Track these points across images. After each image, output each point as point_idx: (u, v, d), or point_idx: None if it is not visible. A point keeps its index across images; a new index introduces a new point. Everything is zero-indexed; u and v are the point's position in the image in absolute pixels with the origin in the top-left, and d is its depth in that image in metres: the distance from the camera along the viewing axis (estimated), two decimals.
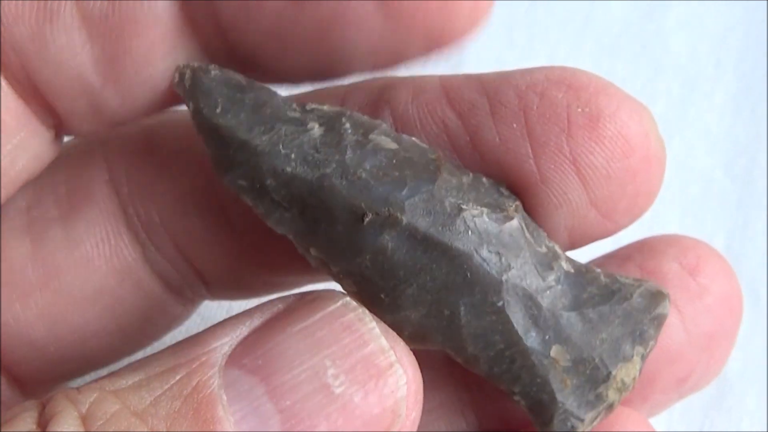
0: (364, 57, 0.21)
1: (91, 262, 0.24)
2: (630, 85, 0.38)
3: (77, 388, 0.19)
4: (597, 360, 0.21)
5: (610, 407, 0.21)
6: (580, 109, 0.21)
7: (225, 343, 0.19)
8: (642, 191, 0.22)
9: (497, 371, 0.21)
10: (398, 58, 0.21)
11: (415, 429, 0.20)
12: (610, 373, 0.21)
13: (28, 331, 0.24)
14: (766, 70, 0.39)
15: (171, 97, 0.22)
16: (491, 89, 0.22)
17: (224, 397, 0.19)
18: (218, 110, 0.21)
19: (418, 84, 0.22)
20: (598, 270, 0.22)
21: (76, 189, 0.25)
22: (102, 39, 0.21)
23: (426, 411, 0.21)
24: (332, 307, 0.20)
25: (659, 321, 0.22)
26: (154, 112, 0.23)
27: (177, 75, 0.22)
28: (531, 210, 0.22)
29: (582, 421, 0.21)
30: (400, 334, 0.20)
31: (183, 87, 0.21)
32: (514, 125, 0.22)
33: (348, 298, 0.20)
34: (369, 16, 0.20)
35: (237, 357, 0.19)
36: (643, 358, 0.22)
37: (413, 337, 0.21)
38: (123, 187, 0.25)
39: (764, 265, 0.35)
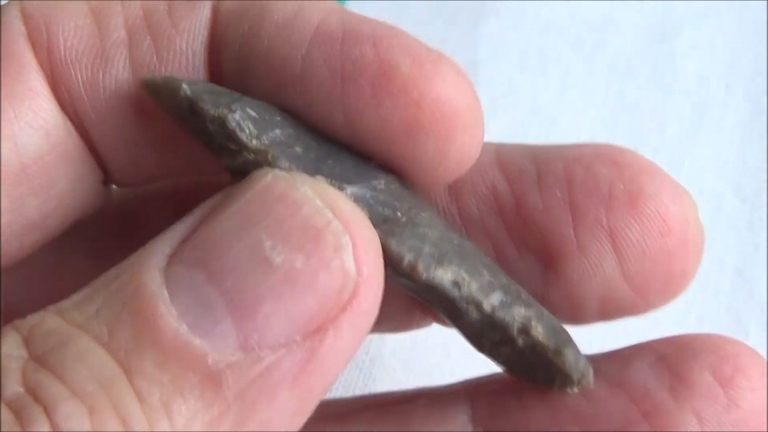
0: None
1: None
2: (641, 108, 0.39)
3: (24, 317, 0.19)
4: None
5: None
6: (622, 186, 0.22)
7: (165, 245, 0.19)
8: (677, 272, 0.23)
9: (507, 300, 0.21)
10: None
11: (377, 288, 0.19)
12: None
13: None
14: None
15: (207, 162, 0.23)
16: (541, 158, 0.23)
17: (165, 294, 0.18)
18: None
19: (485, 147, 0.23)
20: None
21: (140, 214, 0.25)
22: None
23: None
24: (262, 182, 0.19)
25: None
26: (191, 176, 0.23)
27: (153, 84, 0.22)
28: (566, 276, 0.22)
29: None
30: (420, 252, 0.20)
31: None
32: (558, 193, 0.22)
33: (278, 170, 0.19)
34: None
35: (178, 255, 0.18)
36: None
37: (433, 257, 0.20)
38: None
39: None
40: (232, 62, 0.21)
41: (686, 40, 0.40)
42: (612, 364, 0.23)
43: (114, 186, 0.24)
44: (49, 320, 0.18)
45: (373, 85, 0.20)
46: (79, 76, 0.21)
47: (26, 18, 0.22)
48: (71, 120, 0.22)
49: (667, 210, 0.22)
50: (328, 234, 0.18)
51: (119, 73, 0.21)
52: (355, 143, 0.21)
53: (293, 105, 0.21)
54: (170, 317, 0.18)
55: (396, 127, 0.20)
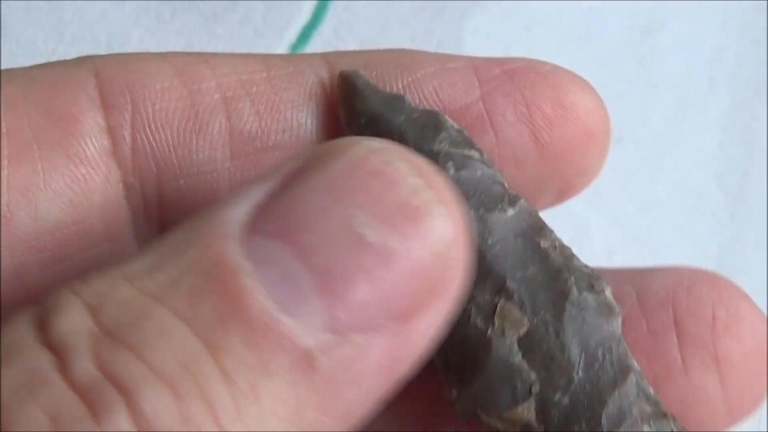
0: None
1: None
2: (625, 101, 0.39)
3: (82, 280, 0.17)
4: None
5: None
6: (723, 306, 0.23)
7: (241, 212, 0.17)
8: (762, 390, 0.23)
9: None
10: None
11: (466, 271, 0.18)
12: None
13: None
14: (759, 88, 0.40)
15: None
16: (638, 281, 0.23)
17: (250, 267, 0.16)
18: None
19: None
20: None
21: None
22: (244, 158, 0.21)
23: None
24: (354, 153, 0.17)
25: None
26: None
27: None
28: (670, 400, 0.22)
29: None
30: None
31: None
32: (662, 316, 0.23)
33: (369, 140, 0.18)
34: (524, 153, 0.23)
35: (257, 224, 0.17)
36: None
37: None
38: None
39: (757, 280, 0.36)
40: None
41: (670, 35, 0.40)
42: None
43: None
44: (120, 288, 0.16)
45: (553, 105, 0.22)
46: (170, 140, 0.21)
47: (101, 79, 0.21)
48: (143, 190, 0.21)
49: (762, 333, 0.23)
50: (427, 215, 0.17)
51: (214, 137, 0.21)
52: (543, 163, 0.22)
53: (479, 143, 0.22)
54: (258, 292, 0.16)
55: (574, 141, 0.22)
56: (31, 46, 0.36)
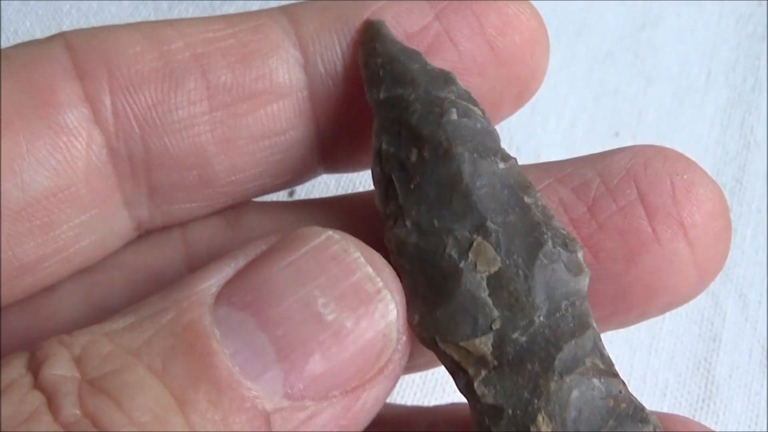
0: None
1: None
2: (622, 94, 0.39)
3: (68, 333, 0.19)
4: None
5: None
6: (678, 176, 0.23)
7: (212, 284, 0.19)
8: (725, 252, 0.24)
9: None
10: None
11: (407, 354, 0.20)
12: None
13: None
14: (755, 82, 0.40)
15: (278, 176, 0.23)
16: (599, 165, 0.24)
17: (217, 332, 0.18)
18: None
19: (531, 171, 0.24)
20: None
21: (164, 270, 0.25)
22: (223, 109, 0.22)
23: None
24: (317, 241, 0.20)
25: None
26: (258, 195, 0.24)
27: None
28: (645, 270, 0.23)
29: None
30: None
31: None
32: (628, 192, 0.23)
33: (331, 231, 0.20)
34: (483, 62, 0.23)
35: (225, 296, 0.19)
36: None
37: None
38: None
39: (753, 272, 0.36)
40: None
41: (667, 29, 0.41)
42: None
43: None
44: (101, 343, 0.18)
45: (500, 16, 0.24)
46: (149, 99, 0.21)
47: (73, 51, 0.21)
48: (129, 154, 0.22)
49: (718, 192, 0.23)
50: (378, 300, 0.19)
51: (192, 92, 0.22)
52: (496, 68, 0.23)
53: (440, 62, 0.23)
54: (223, 356, 0.18)
55: (523, 46, 0.24)
56: (28, 38, 0.36)
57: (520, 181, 0.22)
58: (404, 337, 0.20)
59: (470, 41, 0.23)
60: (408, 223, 0.21)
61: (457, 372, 0.21)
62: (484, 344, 0.21)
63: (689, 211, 0.23)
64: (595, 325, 0.21)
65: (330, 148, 0.24)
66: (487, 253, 0.21)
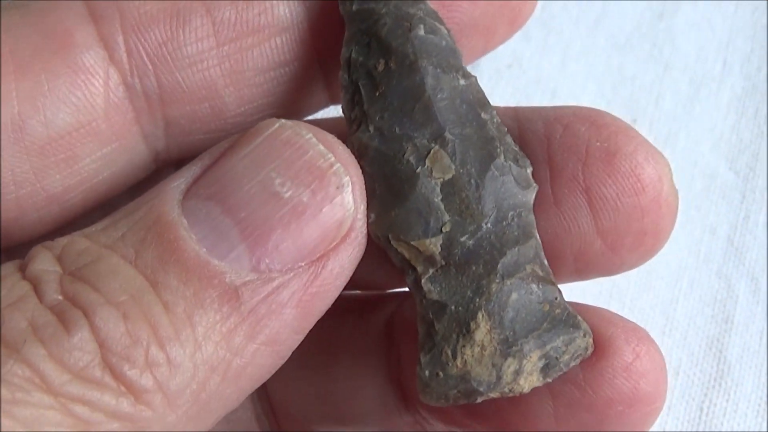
0: None
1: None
2: (639, 82, 0.40)
3: (51, 240, 0.20)
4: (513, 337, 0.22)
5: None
6: (599, 144, 0.23)
7: (181, 182, 0.21)
8: (649, 230, 0.23)
9: None
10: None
11: (365, 223, 0.21)
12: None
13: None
14: None
15: (285, 106, 0.24)
16: (523, 117, 0.24)
17: (184, 221, 0.20)
18: None
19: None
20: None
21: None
22: (229, 44, 0.23)
23: None
24: (271, 129, 0.21)
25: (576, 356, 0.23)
26: (267, 116, 0.24)
27: None
28: (542, 231, 0.23)
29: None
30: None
31: None
32: (537, 150, 0.23)
33: (284, 120, 0.21)
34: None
35: (193, 191, 0.21)
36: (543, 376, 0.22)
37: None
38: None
39: (765, 256, 0.36)
40: None
41: (684, 17, 0.41)
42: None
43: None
44: (78, 241, 0.20)
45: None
46: (159, 37, 0.23)
47: None
48: (144, 89, 0.23)
49: (642, 169, 0.23)
50: (332, 174, 0.21)
51: (199, 29, 0.23)
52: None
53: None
54: (191, 240, 0.20)
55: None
56: None
57: (478, 98, 0.23)
58: (362, 206, 0.21)
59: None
60: (371, 128, 0.22)
61: (406, 269, 0.23)
62: (434, 245, 0.22)
63: (599, 179, 0.23)
64: (538, 236, 0.23)
65: (334, 78, 0.24)
66: (443, 161, 0.22)
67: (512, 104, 0.38)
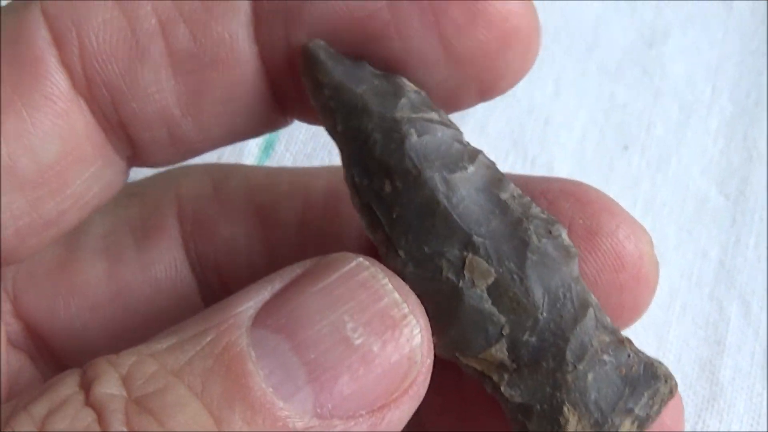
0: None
1: (158, 285, 0.26)
2: (631, 108, 0.40)
3: (116, 354, 0.20)
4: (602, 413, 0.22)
5: None
6: (581, 221, 0.23)
7: (250, 307, 0.20)
8: (627, 306, 0.24)
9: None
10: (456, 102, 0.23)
11: (429, 375, 0.21)
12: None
13: (94, 340, 0.26)
14: (758, 97, 0.41)
15: (245, 132, 0.24)
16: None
17: (253, 354, 0.19)
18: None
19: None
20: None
21: (149, 222, 0.27)
22: (186, 76, 0.22)
23: None
24: (347, 267, 0.21)
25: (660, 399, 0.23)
26: (230, 143, 0.25)
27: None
28: None
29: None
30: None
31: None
32: None
33: (362, 258, 0.21)
34: (434, 60, 0.22)
35: (261, 319, 0.20)
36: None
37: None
38: (188, 225, 0.27)
39: (755, 279, 0.37)
40: (304, 29, 0.22)
41: (674, 44, 0.42)
42: None
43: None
44: (146, 363, 0.20)
45: (466, 12, 0.22)
46: (117, 69, 0.22)
47: (49, 18, 0.22)
48: (104, 114, 0.23)
49: (622, 247, 0.23)
50: (404, 326, 0.20)
51: (156, 61, 0.22)
52: (453, 67, 0.22)
53: (388, 50, 0.22)
54: (258, 377, 0.19)
55: (489, 44, 0.22)
56: None
57: (491, 178, 0.22)
58: (428, 360, 0.21)
59: (419, 37, 0.22)
60: (401, 253, 0.22)
61: (483, 378, 0.22)
62: (500, 351, 0.22)
63: (580, 256, 0.23)
64: (594, 299, 0.22)
65: (292, 102, 0.24)
66: (481, 267, 0.22)
67: (507, 133, 0.39)
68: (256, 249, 0.27)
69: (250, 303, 0.20)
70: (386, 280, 0.21)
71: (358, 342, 0.20)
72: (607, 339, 0.22)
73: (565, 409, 0.22)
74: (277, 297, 0.21)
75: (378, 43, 0.22)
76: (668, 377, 0.23)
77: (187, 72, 0.22)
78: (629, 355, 0.22)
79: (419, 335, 0.21)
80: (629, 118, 0.40)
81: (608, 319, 0.22)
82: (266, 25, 0.22)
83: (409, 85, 0.22)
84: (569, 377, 0.22)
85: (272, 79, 0.23)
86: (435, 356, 0.22)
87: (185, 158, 0.25)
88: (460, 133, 0.23)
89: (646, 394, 0.22)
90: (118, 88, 0.22)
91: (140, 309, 0.26)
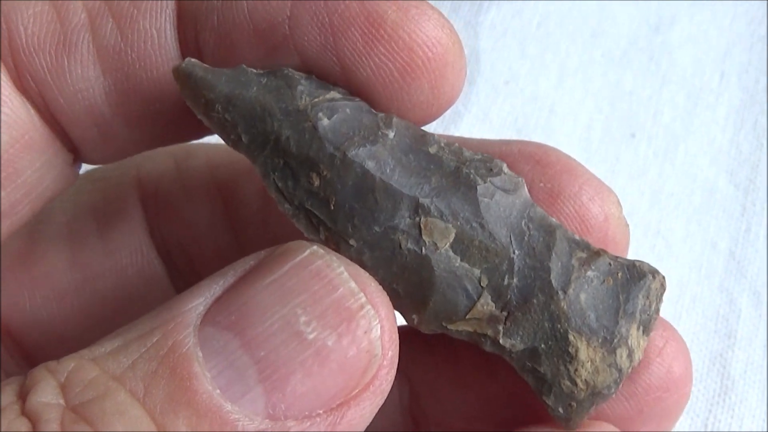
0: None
1: (124, 271, 0.26)
2: (637, 96, 0.40)
3: (57, 360, 0.19)
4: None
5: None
6: (542, 184, 0.22)
7: (199, 303, 0.19)
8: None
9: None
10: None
11: (394, 368, 0.20)
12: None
13: (63, 332, 0.25)
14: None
15: (178, 134, 0.23)
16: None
17: (200, 354, 0.18)
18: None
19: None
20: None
21: (111, 207, 0.26)
22: (115, 73, 0.22)
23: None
24: (300, 257, 0.19)
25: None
26: (163, 145, 0.24)
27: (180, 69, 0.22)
28: None
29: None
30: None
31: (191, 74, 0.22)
32: None
33: (316, 246, 0.20)
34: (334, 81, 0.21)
35: (211, 315, 0.19)
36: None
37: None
38: (151, 208, 0.26)
39: (765, 268, 0.36)
40: (212, 35, 0.22)
41: (681, 31, 0.41)
42: None
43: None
44: (86, 369, 0.19)
45: (364, 34, 0.21)
46: (44, 63, 0.21)
47: None
48: (37, 107, 0.22)
49: (586, 210, 0.22)
50: (361, 317, 0.19)
51: (84, 56, 0.22)
52: (353, 91, 0.21)
53: (286, 64, 0.21)
54: (204, 379, 0.18)
55: (391, 72, 0.21)
56: None
57: (414, 136, 0.22)
58: (391, 352, 0.20)
59: (319, 56, 0.21)
60: (352, 242, 0.21)
61: (479, 339, 0.21)
62: (486, 304, 0.21)
63: None
64: (554, 220, 0.22)
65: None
66: (438, 227, 0.21)
67: (510, 122, 0.38)
68: (221, 228, 0.26)
69: (200, 300, 0.19)
70: (342, 269, 0.19)
71: (311, 336, 0.19)
72: (584, 255, 0.22)
73: (571, 337, 0.21)
74: (228, 292, 0.19)
75: (281, 57, 0.21)
76: (654, 272, 0.22)
77: (115, 69, 0.22)
78: (610, 264, 0.22)
79: (378, 326, 0.19)
80: (636, 105, 0.40)
81: (576, 235, 0.22)
82: (185, 25, 0.22)
83: (296, 73, 0.21)
84: (563, 305, 0.21)
85: None
86: (422, 334, 0.21)
87: (122, 157, 0.24)
88: (364, 102, 0.22)
89: (640, 296, 0.22)
90: (46, 82, 0.22)
91: (108, 296, 0.25)
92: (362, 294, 0.19)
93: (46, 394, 0.18)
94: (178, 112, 0.22)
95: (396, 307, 0.21)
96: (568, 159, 0.23)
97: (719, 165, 0.38)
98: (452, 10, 0.39)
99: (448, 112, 0.37)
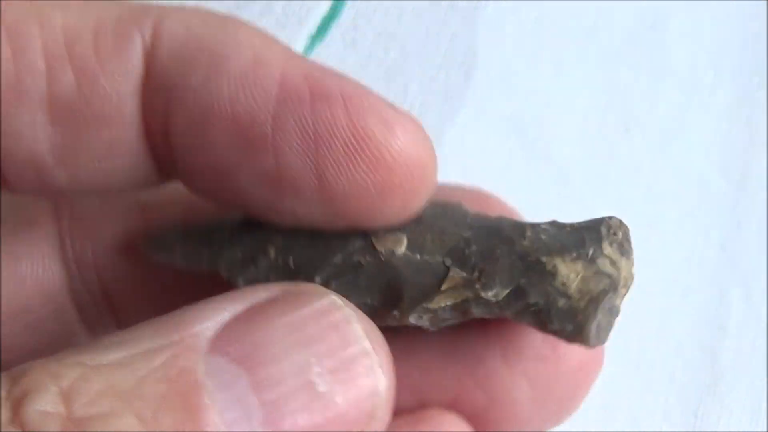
0: (299, 217, 0.22)
1: (23, 281, 0.25)
2: (632, 92, 0.40)
3: (56, 360, 0.18)
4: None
5: None
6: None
7: (208, 328, 0.19)
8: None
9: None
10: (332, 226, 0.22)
11: (389, 419, 0.20)
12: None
13: None
14: (761, 80, 0.41)
15: (120, 187, 0.23)
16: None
17: (209, 384, 0.18)
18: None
19: None
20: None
21: (22, 213, 0.26)
22: (65, 126, 0.21)
23: None
24: (319, 304, 0.19)
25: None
26: (104, 192, 0.24)
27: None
28: None
29: None
30: None
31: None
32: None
33: (334, 296, 0.20)
34: (306, 188, 0.21)
35: (221, 343, 0.19)
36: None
37: None
38: (64, 219, 0.26)
39: (757, 263, 0.37)
40: (185, 117, 0.21)
41: (676, 27, 0.41)
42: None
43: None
44: (92, 380, 0.18)
45: (347, 148, 0.20)
46: None
47: None
48: None
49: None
50: (370, 378, 0.19)
51: (35, 107, 0.21)
52: (325, 201, 0.21)
53: (260, 163, 0.21)
54: (213, 412, 0.18)
55: (368, 188, 0.21)
56: None
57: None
58: (387, 417, 0.20)
59: (296, 162, 0.21)
60: (317, 279, 0.22)
61: (465, 308, 0.22)
62: (455, 273, 0.22)
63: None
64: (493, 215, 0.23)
65: (173, 167, 0.23)
66: (389, 238, 0.22)
67: (506, 116, 0.39)
68: (137, 250, 0.25)
69: (208, 323, 0.19)
70: (358, 325, 0.19)
71: (321, 389, 0.19)
72: (543, 225, 0.22)
73: (544, 259, 0.21)
74: (239, 320, 0.19)
75: (254, 154, 0.21)
76: (608, 217, 0.22)
77: (67, 122, 0.21)
78: (565, 224, 0.22)
79: (383, 391, 0.19)
80: (630, 101, 0.40)
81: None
82: (152, 95, 0.21)
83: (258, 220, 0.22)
84: (526, 242, 0.21)
85: (154, 144, 0.22)
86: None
87: (54, 197, 0.24)
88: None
89: (601, 228, 0.22)
90: None
91: (3, 307, 0.25)
92: (375, 355, 0.19)
93: (47, 402, 0.17)
94: (124, 169, 0.22)
95: (375, 318, 0.21)
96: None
97: (712, 160, 0.39)
98: (450, 8, 0.40)
99: (445, 108, 0.37)
